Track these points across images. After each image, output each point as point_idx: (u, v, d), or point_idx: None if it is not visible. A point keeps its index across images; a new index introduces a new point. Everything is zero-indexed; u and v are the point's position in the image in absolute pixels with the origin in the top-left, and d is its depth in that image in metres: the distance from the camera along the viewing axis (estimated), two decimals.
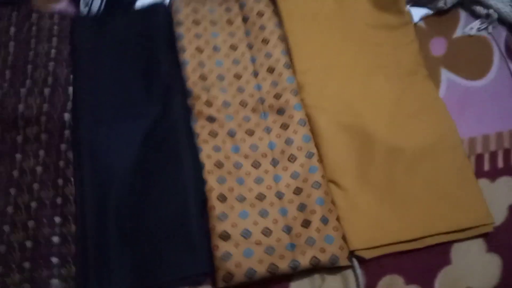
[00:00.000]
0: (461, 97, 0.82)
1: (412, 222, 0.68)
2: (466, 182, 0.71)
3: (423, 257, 0.67)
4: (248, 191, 0.72)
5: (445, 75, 0.85)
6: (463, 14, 0.93)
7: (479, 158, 0.76)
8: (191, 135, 0.75)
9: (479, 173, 0.75)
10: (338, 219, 0.69)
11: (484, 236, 0.69)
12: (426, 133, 0.75)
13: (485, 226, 0.69)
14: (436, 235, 0.68)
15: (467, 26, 0.91)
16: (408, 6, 0.90)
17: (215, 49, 0.85)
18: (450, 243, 0.68)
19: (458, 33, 0.91)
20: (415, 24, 0.90)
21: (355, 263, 0.67)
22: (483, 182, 0.74)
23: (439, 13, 0.92)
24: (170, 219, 0.67)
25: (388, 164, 0.73)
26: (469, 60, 0.86)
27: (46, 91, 0.77)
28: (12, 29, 0.84)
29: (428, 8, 0.92)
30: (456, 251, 0.68)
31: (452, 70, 0.86)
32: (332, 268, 0.66)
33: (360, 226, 0.69)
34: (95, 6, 0.86)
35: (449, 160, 0.73)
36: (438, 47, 0.89)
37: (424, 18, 0.92)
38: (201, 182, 0.71)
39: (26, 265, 0.64)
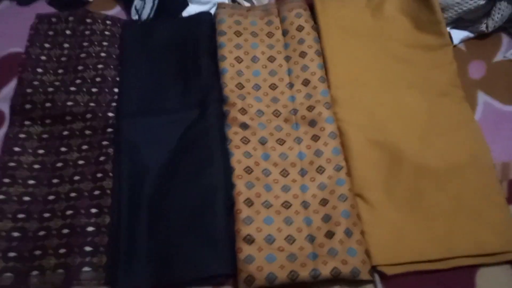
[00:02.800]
0: (496, 121, 0.81)
1: (437, 242, 0.68)
2: (496, 205, 0.70)
3: (447, 278, 0.67)
4: (274, 198, 0.73)
5: (482, 98, 0.85)
6: (505, 39, 0.92)
7: None
8: (223, 140, 0.78)
9: (511, 198, 0.73)
10: (362, 233, 0.70)
11: None
12: (457, 153, 0.75)
13: None
14: (461, 257, 0.67)
15: (509, 51, 0.90)
16: (448, 28, 0.90)
17: (254, 59, 0.88)
18: (476, 266, 0.67)
19: (498, 57, 0.90)
20: (455, 46, 0.90)
21: (377, 278, 0.67)
22: None
23: (480, 36, 0.92)
24: (198, 218, 0.69)
25: (416, 181, 0.73)
26: (507, 84, 0.86)
27: (94, 90, 0.82)
28: (68, 31, 0.91)
29: (469, 31, 0.92)
30: (482, 275, 0.67)
31: (489, 93, 0.85)
32: (353, 281, 0.67)
33: (384, 241, 0.69)
34: (145, 14, 0.92)
35: (479, 182, 0.72)
36: (476, 70, 0.88)
37: (465, 41, 0.92)
38: (230, 185, 0.73)
39: (62, 251, 0.68)
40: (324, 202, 0.73)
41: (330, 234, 0.69)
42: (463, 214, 0.70)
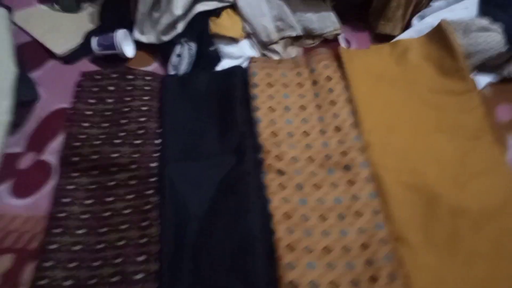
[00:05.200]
0: None
1: (476, 283, 0.68)
2: None
3: None
4: (315, 243, 0.75)
5: None
6: None
7: None
8: (261, 186, 0.81)
9: None
10: (406, 277, 0.71)
11: None
12: (492, 194, 0.76)
13: None
14: None
15: None
16: (473, 73, 0.94)
17: (286, 109, 0.92)
18: None
19: None
20: (481, 90, 0.93)
21: None
22: None
23: (505, 81, 0.96)
24: (239, 264, 0.71)
25: (453, 224, 0.74)
26: None
27: (137, 142, 0.87)
28: (111, 87, 0.97)
29: (493, 76, 0.95)
30: None
31: None
32: None
33: (426, 284, 0.69)
34: (182, 69, 0.98)
35: None
36: (504, 113, 0.91)
37: (490, 85, 0.95)
38: (266, 232, 0.75)
39: None
40: (364, 246, 0.74)
41: (373, 279, 0.70)
42: (502, 256, 0.70)
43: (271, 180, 0.82)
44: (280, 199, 0.80)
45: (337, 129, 0.88)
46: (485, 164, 0.81)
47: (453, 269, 0.71)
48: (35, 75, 1.03)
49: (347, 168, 0.83)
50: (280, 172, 0.83)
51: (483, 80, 0.94)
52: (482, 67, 0.95)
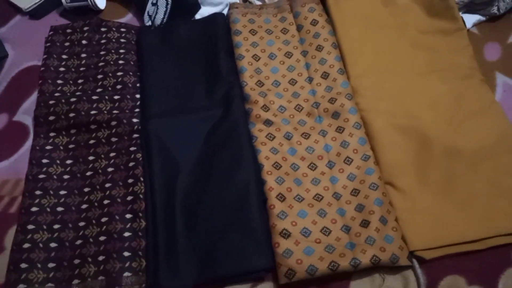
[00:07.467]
0: None
1: (473, 223, 0.68)
2: None
3: (485, 258, 0.67)
4: (305, 192, 0.74)
5: (501, 79, 0.86)
6: None
7: None
8: (249, 138, 0.79)
9: None
10: (396, 220, 0.70)
11: None
12: (485, 134, 0.75)
13: None
14: (498, 236, 0.67)
15: None
16: (460, 13, 0.91)
17: (271, 56, 0.88)
18: None
19: None
20: (468, 30, 0.91)
21: (415, 263, 0.68)
22: None
23: (492, 19, 0.93)
24: (235, 215, 0.70)
25: (447, 164, 0.73)
26: None
27: (116, 97, 0.83)
28: (84, 41, 0.91)
29: (481, 14, 0.93)
30: None
31: (508, 74, 0.86)
32: (392, 268, 0.67)
33: (420, 226, 0.69)
34: (158, 19, 0.92)
35: (509, 161, 0.72)
36: (492, 52, 0.89)
37: (477, 24, 0.93)
38: (260, 182, 0.74)
39: (101, 258, 0.68)
40: (355, 192, 0.73)
41: (365, 223, 0.69)
42: (497, 194, 0.70)
43: (259, 131, 0.79)
44: (269, 149, 0.77)
45: (324, 75, 0.85)
46: (478, 103, 0.79)
47: (448, 208, 0.71)
48: None
49: (335, 115, 0.81)
50: (268, 122, 0.80)
51: (471, 18, 0.92)
52: (470, 6, 0.91)
